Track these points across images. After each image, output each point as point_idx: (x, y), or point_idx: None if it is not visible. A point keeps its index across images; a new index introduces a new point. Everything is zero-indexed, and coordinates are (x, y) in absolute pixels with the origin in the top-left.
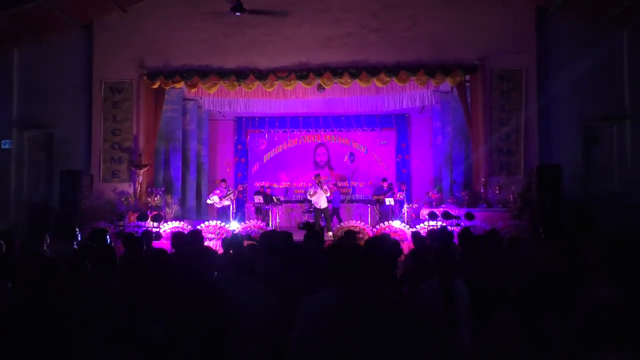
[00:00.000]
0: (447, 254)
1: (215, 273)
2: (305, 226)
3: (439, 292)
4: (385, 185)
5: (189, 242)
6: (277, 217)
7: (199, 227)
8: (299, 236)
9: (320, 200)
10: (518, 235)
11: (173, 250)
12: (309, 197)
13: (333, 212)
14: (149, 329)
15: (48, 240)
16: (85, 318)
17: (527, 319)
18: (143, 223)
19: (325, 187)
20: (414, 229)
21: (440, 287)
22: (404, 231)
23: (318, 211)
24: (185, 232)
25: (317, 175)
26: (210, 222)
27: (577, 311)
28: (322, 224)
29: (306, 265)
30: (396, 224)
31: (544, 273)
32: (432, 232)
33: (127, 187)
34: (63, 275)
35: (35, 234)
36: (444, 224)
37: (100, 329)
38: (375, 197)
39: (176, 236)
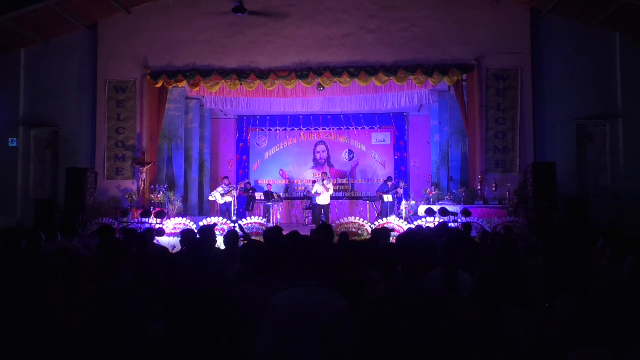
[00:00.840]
0: (451, 246)
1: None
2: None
3: (443, 280)
4: (390, 184)
5: (199, 239)
6: (278, 214)
7: (201, 223)
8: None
9: (322, 197)
10: (512, 229)
11: (182, 247)
12: (313, 193)
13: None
14: (147, 326)
15: (59, 237)
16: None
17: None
18: (147, 220)
19: (329, 185)
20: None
21: (444, 276)
22: (401, 227)
23: (318, 207)
24: (196, 230)
25: (324, 174)
26: (212, 218)
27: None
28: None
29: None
30: (393, 219)
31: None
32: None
33: (131, 185)
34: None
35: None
36: (443, 220)
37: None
38: (378, 194)
39: (186, 234)
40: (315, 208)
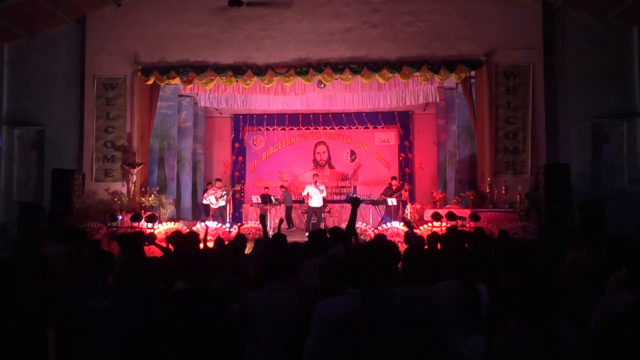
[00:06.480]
0: (462, 255)
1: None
2: (352, 200)
3: (460, 293)
4: (394, 184)
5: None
6: (276, 218)
7: (194, 228)
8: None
9: (313, 199)
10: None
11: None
12: (304, 195)
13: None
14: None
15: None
16: (93, 314)
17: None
18: (137, 224)
19: (321, 186)
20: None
21: (460, 289)
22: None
23: (311, 210)
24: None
25: (315, 175)
26: (207, 222)
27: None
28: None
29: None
30: (398, 224)
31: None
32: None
33: (121, 187)
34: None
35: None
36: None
37: (108, 326)
38: (382, 197)
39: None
40: (309, 211)
